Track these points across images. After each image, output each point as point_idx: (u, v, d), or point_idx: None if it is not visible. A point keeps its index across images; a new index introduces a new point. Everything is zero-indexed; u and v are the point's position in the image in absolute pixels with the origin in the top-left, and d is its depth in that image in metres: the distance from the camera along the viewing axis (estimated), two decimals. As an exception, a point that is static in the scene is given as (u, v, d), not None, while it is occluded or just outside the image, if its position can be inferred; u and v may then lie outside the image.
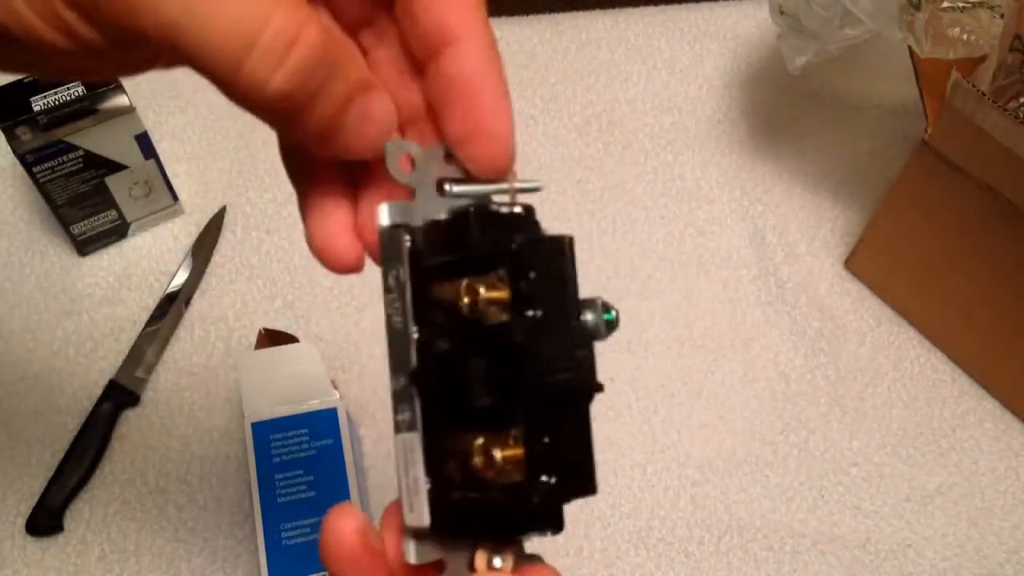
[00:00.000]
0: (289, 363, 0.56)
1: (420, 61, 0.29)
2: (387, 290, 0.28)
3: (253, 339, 0.62)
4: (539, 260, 0.26)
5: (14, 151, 0.59)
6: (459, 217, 0.28)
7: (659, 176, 0.72)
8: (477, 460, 0.26)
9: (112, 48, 0.25)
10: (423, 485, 0.27)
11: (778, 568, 0.59)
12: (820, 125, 0.75)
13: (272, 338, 0.59)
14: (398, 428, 0.28)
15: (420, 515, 0.27)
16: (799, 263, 0.69)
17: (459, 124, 0.28)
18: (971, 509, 0.61)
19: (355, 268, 0.29)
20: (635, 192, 0.72)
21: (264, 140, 0.72)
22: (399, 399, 0.28)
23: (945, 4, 0.56)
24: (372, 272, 0.73)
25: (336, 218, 0.29)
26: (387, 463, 0.61)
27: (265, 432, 0.55)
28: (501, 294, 0.26)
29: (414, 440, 0.28)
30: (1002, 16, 0.56)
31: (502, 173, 0.28)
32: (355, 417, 0.61)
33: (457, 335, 0.27)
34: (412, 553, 0.28)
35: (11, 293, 0.66)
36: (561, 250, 0.27)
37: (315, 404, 0.55)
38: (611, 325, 0.28)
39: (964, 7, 0.56)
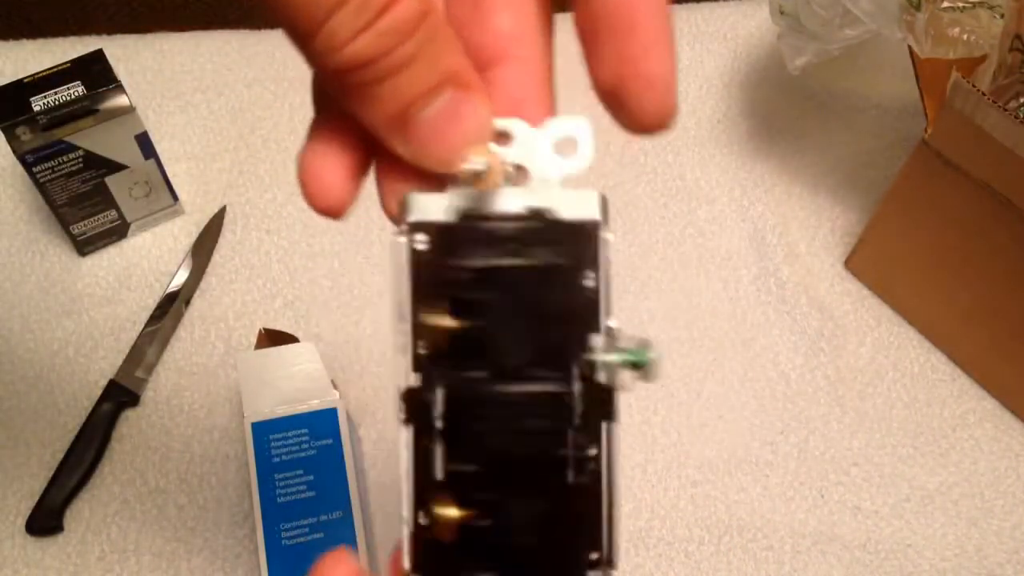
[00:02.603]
0: (289, 363, 0.56)
1: None
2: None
3: (253, 339, 0.62)
4: (485, 299, 0.24)
5: (14, 151, 0.58)
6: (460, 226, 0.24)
7: (659, 176, 0.72)
8: (422, 513, 0.24)
9: None
10: (406, 527, 0.25)
11: (778, 568, 0.59)
12: (820, 125, 0.75)
13: (272, 338, 0.59)
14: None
15: (406, 559, 0.25)
16: (799, 263, 0.69)
17: (612, 66, 0.24)
18: (971, 509, 0.61)
19: (336, 212, 0.25)
20: (635, 192, 0.72)
21: (264, 140, 0.72)
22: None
23: (945, 4, 0.56)
24: (373, 272, 0.73)
25: (338, 151, 0.25)
26: (387, 463, 0.61)
27: (265, 432, 0.55)
28: (447, 323, 0.24)
29: (404, 471, 0.25)
30: (1002, 16, 0.56)
31: (661, 127, 0.24)
32: (355, 417, 0.61)
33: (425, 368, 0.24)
34: None
35: (11, 293, 0.66)
36: (521, 282, 0.23)
37: (315, 404, 0.55)
38: (636, 367, 0.23)
39: (964, 7, 0.56)
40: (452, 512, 0.24)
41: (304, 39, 0.22)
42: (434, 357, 0.24)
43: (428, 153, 0.23)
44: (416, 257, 0.24)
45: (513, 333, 0.24)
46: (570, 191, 0.25)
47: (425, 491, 0.24)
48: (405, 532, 0.25)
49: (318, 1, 0.21)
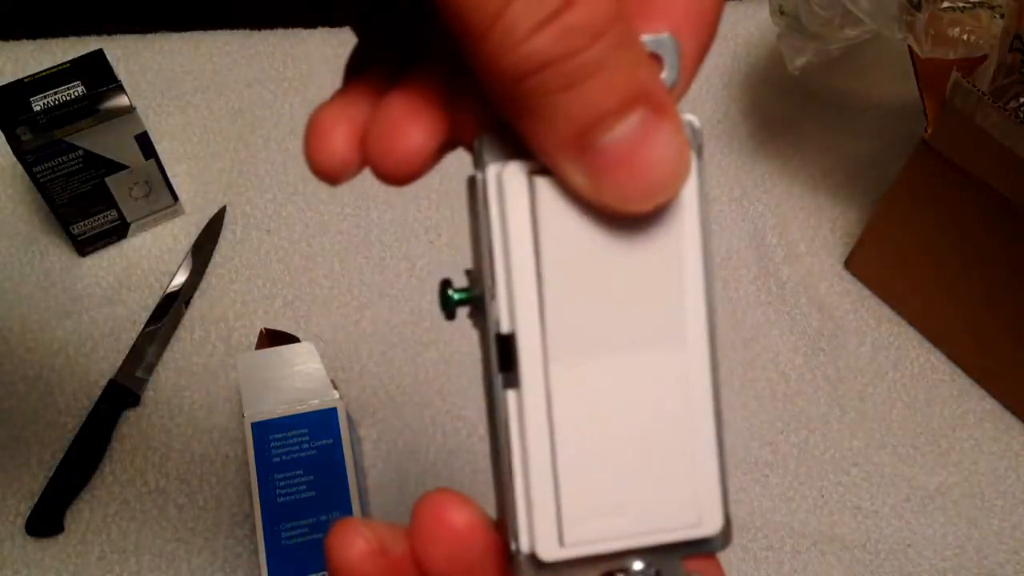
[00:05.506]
0: (289, 363, 0.56)
1: None
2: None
3: (253, 339, 0.62)
4: None
5: (14, 151, 0.59)
6: None
7: (659, 176, 0.72)
8: None
9: None
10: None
11: (778, 568, 0.59)
12: (820, 125, 0.75)
13: (272, 338, 0.59)
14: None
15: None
16: (799, 263, 0.69)
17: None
18: (971, 509, 0.61)
19: (334, 176, 0.23)
20: (635, 192, 0.72)
21: (264, 140, 0.72)
22: None
23: (945, 4, 0.56)
24: (373, 272, 0.73)
25: (354, 116, 0.22)
26: (387, 463, 0.61)
27: (265, 432, 0.55)
28: None
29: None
30: (1002, 16, 0.56)
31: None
32: (355, 417, 0.61)
33: None
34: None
35: (11, 293, 0.66)
36: None
37: (315, 404, 0.55)
38: None
39: (964, 7, 0.56)
40: None
41: (476, 36, 0.18)
42: None
43: (609, 188, 0.19)
44: None
45: None
46: None
47: None
48: None
49: None
